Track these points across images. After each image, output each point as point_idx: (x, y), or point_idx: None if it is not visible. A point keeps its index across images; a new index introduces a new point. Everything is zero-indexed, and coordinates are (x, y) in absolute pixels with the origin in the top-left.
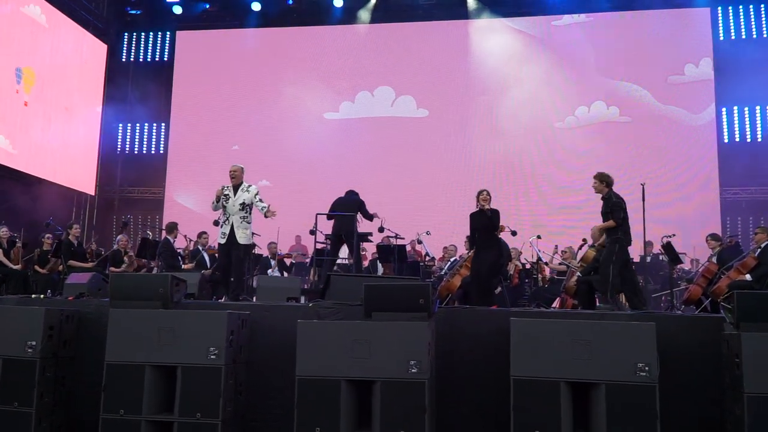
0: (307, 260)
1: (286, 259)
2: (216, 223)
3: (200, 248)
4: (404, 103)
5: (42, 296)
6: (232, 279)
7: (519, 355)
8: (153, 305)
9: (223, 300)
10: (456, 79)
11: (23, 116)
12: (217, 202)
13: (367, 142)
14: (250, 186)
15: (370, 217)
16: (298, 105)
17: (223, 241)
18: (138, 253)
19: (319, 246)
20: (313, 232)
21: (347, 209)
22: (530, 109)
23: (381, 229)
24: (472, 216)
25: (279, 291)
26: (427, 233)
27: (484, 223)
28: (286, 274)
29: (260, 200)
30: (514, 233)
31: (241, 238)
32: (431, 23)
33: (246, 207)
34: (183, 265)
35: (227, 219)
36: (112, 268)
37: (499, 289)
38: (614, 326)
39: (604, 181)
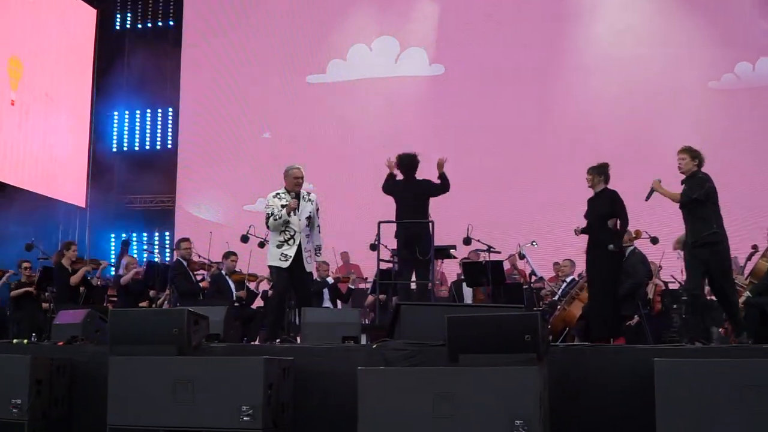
0: (367, 286)
1: (341, 285)
2: (245, 239)
3: (224, 273)
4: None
5: (26, 341)
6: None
7: (666, 412)
8: (166, 351)
9: (257, 342)
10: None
11: (8, 117)
12: (289, 216)
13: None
14: (310, 193)
15: (446, 186)
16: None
17: (285, 264)
18: (144, 280)
19: (384, 265)
20: (375, 247)
21: (415, 207)
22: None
23: (467, 241)
24: (589, 201)
25: (332, 328)
26: (533, 244)
27: (598, 212)
28: (340, 305)
29: (319, 218)
30: (654, 240)
31: (310, 264)
32: None
33: (310, 222)
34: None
35: (292, 237)
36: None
37: (635, 318)
38: None
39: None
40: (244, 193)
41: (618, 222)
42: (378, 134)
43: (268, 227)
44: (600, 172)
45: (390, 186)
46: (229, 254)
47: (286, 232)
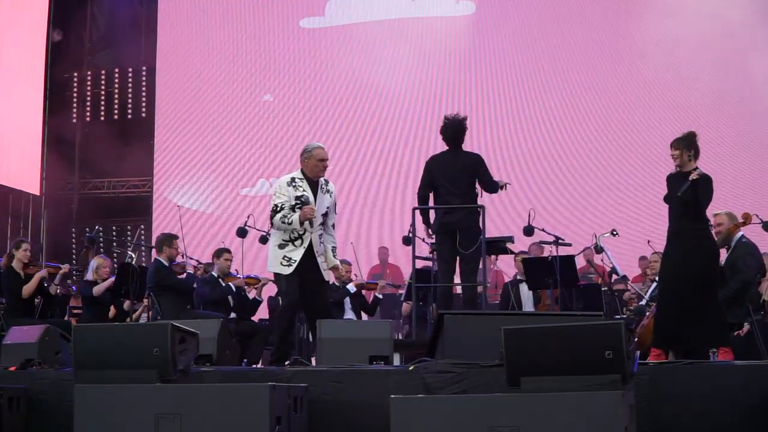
0: (400, 291)
1: (367, 291)
2: (242, 232)
3: (215, 275)
4: None
5: None
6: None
7: None
8: (144, 377)
9: (260, 365)
10: None
11: None
12: (302, 225)
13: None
14: (328, 183)
15: (495, 187)
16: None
17: (288, 270)
18: (114, 287)
19: (421, 264)
20: (409, 241)
21: (460, 188)
22: None
23: (529, 230)
24: (669, 179)
25: (356, 345)
26: (614, 233)
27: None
28: (365, 317)
29: (335, 215)
30: (766, 227)
31: (325, 269)
32: None
33: (325, 219)
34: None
35: (299, 237)
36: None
37: (746, 326)
38: None
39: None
40: (241, 173)
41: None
42: (407, 92)
43: (271, 223)
44: (689, 144)
45: (428, 170)
46: (221, 252)
47: (294, 231)
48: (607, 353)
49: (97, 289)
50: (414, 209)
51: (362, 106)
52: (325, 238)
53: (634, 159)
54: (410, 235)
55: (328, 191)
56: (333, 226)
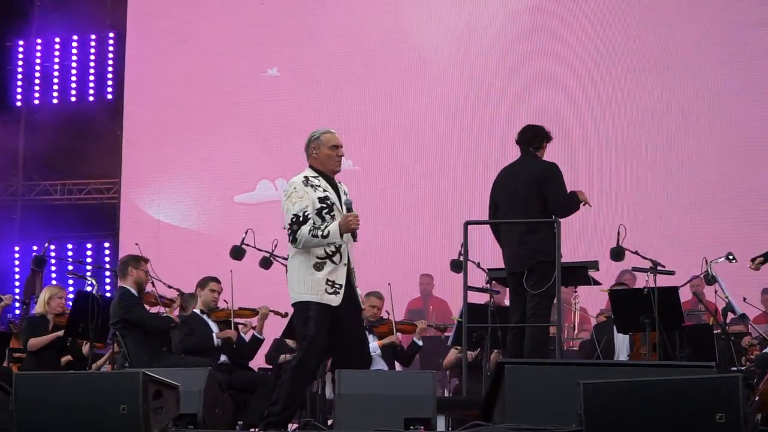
0: (446, 334)
1: (402, 333)
2: (238, 253)
3: (199, 312)
4: None
5: None
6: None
7: None
8: None
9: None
10: None
11: None
12: (342, 238)
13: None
14: (341, 183)
15: (570, 206)
16: None
17: (337, 302)
18: (69, 324)
19: (475, 297)
20: (459, 266)
21: (527, 201)
22: None
23: (618, 254)
24: None
25: (387, 405)
26: (730, 259)
27: None
28: (399, 367)
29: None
30: None
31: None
32: None
33: None
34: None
35: (337, 251)
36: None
37: None
38: None
39: None
40: (235, 174)
41: None
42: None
43: (294, 240)
44: None
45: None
46: (206, 281)
47: (328, 244)
48: (718, 417)
49: (34, 343)
50: (466, 224)
51: (402, 85)
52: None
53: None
54: (461, 258)
55: (344, 192)
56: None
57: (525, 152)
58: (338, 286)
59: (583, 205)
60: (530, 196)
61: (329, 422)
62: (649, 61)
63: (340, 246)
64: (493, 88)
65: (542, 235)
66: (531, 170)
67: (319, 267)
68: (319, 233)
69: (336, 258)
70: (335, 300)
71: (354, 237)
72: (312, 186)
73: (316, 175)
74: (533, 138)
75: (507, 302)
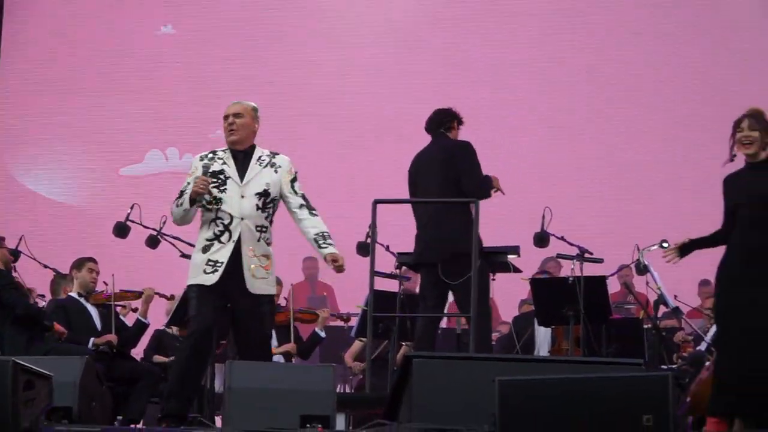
0: (349, 324)
1: (299, 322)
2: (121, 229)
3: (76, 296)
4: None
5: None
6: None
7: None
8: None
9: (142, 425)
10: None
11: None
12: (197, 200)
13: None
14: (275, 156)
15: (486, 188)
16: None
17: (213, 280)
18: None
19: (383, 284)
20: (365, 249)
21: (442, 183)
22: None
23: (542, 239)
24: (727, 182)
25: (282, 400)
26: (663, 246)
27: (755, 194)
28: (294, 361)
29: (301, 193)
30: None
31: (259, 279)
32: None
33: (270, 204)
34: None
35: (226, 229)
36: None
37: None
38: None
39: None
40: (121, 143)
41: None
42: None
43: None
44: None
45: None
46: (83, 262)
47: (216, 222)
48: (646, 419)
49: None
50: (375, 203)
51: (306, 53)
52: (302, 225)
53: (695, 141)
54: (368, 240)
55: (271, 164)
56: (309, 208)
57: (436, 135)
58: (219, 265)
59: (495, 191)
60: (445, 179)
61: (218, 420)
62: (578, 39)
63: (230, 224)
64: (406, 61)
65: (459, 222)
66: (443, 150)
67: (206, 249)
68: (178, 204)
69: (224, 237)
70: (211, 279)
71: (214, 202)
72: (210, 159)
73: (226, 148)
74: (442, 119)
75: (418, 290)
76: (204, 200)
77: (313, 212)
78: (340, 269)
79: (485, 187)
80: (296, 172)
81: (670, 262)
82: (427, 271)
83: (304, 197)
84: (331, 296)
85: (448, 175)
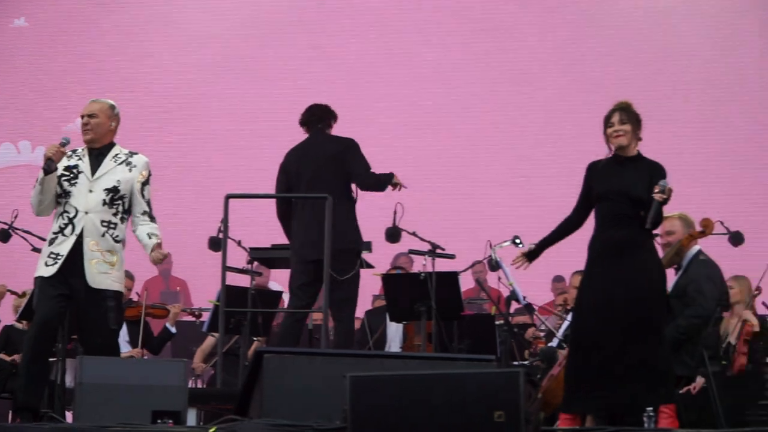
0: (201, 319)
1: (150, 317)
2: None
3: None
4: None
5: None
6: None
7: None
8: None
9: None
10: None
11: None
12: (47, 168)
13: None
14: (133, 155)
15: (379, 184)
16: None
17: (51, 272)
18: None
19: (237, 279)
20: (217, 244)
21: (322, 178)
22: None
23: (393, 235)
24: (593, 169)
25: (133, 395)
26: (515, 242)
27: (616, 189)
28: (147, 356)
29: (148, 199)
30: (736, 238)
31: (101, 273)
32: None
33: (118, 201)
34: None
35: (70, 222)
36: None
37: (699, 380)
38: None
39: None
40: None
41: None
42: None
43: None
44: (639, 120)
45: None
46: None
47: (63, 215)
48: (497, 415)
49: None
50: (227, 197)
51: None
52: (139, 230)
53: (552, 133)
54: (220, 235)
55: (127, 163)
56: (150, 217)
57: (314, 130)
58: (59, 257)
59: (397, 189)
60: (334, 176)
61: (69, 415)
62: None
63: (74, 217)
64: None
65: (342, 219)
66: (330, 147)
67: (51, 241)
68: (35, 186)
69: (68, 230)
70: (50, 271)
71: (48, 168)
72: (68, 157)
73: (84, 149)
74: (322, 115)
75: (271, 285)
76: (56, 167)
77: (153, 220)
78: (158, 258)
79: (380, 181)
80: (149, 176)
81: (519, 268)
82: (305, 267)
83: (149, 204)
84: (185, 291)
85: (338, 170)
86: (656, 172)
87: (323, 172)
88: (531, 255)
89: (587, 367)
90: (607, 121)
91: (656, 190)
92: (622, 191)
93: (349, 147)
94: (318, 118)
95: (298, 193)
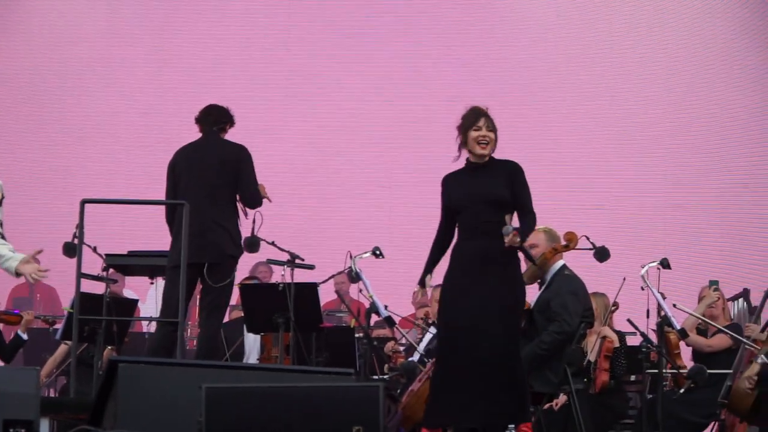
0: (54, 327)
1: (4, 324)
2: None
3: None
4: None
5: None
6: None
7: None
8: None
9: None
10: None
11: None
12: None
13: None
14: None
15: (258, 197)
16: None
17: None
18: None
19: (90, 287)
20: (72, 250)
21: (212, 188)
22: None
23: (252, 244)
24: (448, 181)
25: None
26: (376, 253)
27: (475, 197)
28: None
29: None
30: (601, 254)
31: None
32: None
33: None
34: None
35: None
36: None
37: (562, 397)
38: None
39: None
40: None
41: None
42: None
43: None
44: (496, 129)
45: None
46: None
47: None
48: (355, 430)
49: None
50: (83, 202)
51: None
52: None
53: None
54: (75, 240)
55: None
56: (1, 236)
57: (208, 132)
58: None
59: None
60: (222, 181)
61: None
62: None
63: None
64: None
65: (226, 224)
66: (223, 152)
67: None
68: None
69: None
70: None
71: None
72: None
73: None
74: (219, 118)
75: (126, 293)
76: None
77: (3, 240)
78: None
79: (258, 196)
80: (2, 198)
81: (422, 299)
82: (189, 271)
83: (0, 224)
84: (55, 297)
85: (227, 176)
86: (513, 170)
87: (210, 175)
88: (424, 283)
89: (452, 381)
90: (472, 124)
91: (505, 241)
92: (480, 198)
93: (242, 157)
94: (214, 119)
95: (180, 193)
